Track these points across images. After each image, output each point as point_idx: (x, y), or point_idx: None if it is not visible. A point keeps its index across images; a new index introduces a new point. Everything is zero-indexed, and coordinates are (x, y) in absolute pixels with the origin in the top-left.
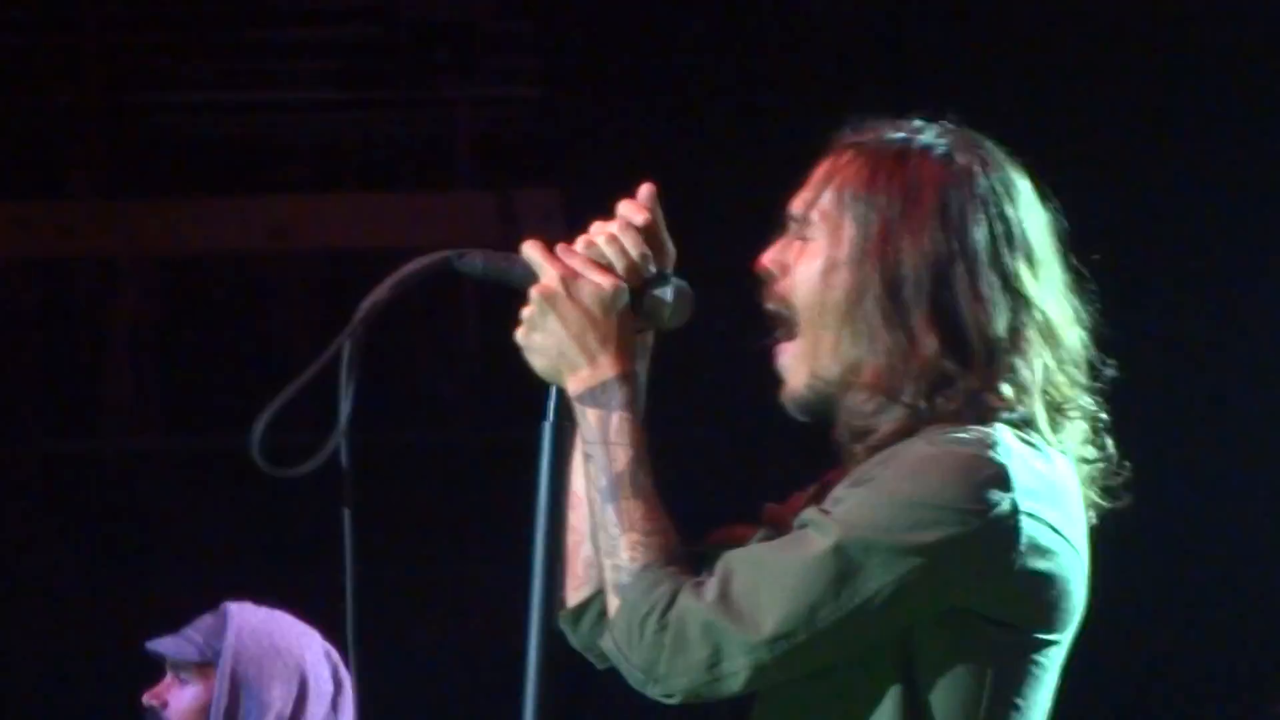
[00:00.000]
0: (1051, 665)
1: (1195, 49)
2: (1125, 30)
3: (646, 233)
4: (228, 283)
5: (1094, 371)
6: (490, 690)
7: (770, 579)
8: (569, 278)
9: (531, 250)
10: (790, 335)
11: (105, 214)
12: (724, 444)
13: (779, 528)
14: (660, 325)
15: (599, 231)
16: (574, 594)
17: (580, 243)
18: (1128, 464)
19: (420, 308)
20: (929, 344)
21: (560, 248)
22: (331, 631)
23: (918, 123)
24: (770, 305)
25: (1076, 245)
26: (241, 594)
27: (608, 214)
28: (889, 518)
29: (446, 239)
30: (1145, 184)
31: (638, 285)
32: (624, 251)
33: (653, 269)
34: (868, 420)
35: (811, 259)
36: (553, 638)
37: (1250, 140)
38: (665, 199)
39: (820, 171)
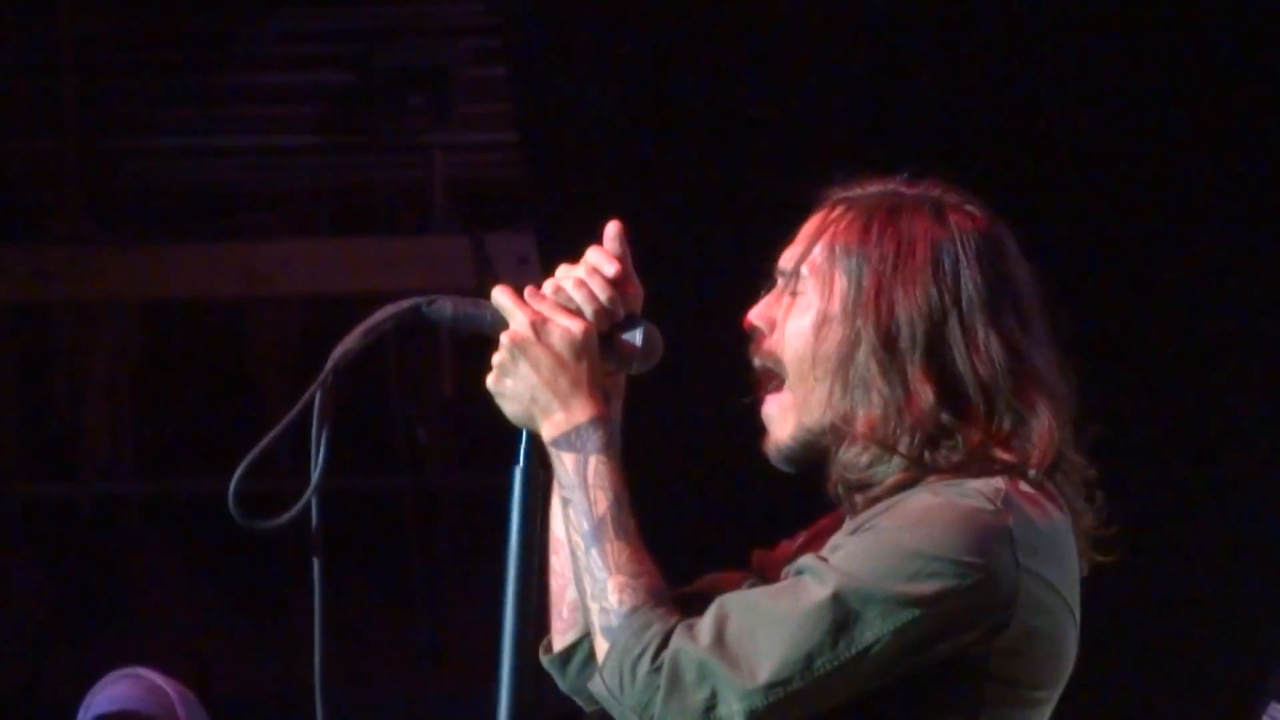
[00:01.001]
0: (1044, 716)
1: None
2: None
3: (616, 279)
4: (205, 328)
5: (1080, 427)
6: None
7: (767, 625)
8: (539, 323)
9: (501, 296)
10: (778, 388)
11: (83, 259)
12: (709, 490)
13: (766, 575)
14: (629, 369)
15: (566, 276)
16: (560, 637)
17: (548, 287)
18: (1115, 521)
19: (396, 353)
20: (925, 395)
21: (529, 292)
22: (303, 679)
23: (906, 178)
24: (757, 360)
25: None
26: (213, 639)
27: (581, 258)
28: (888, 568)
29: (422, 283)
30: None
31: (606, 329)
32: (592, 296)
33: (621, 312)
34: (863, 473)
35: (802, 313)
36: (524, 680)
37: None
38: (641, 245)
39: (810, 226)
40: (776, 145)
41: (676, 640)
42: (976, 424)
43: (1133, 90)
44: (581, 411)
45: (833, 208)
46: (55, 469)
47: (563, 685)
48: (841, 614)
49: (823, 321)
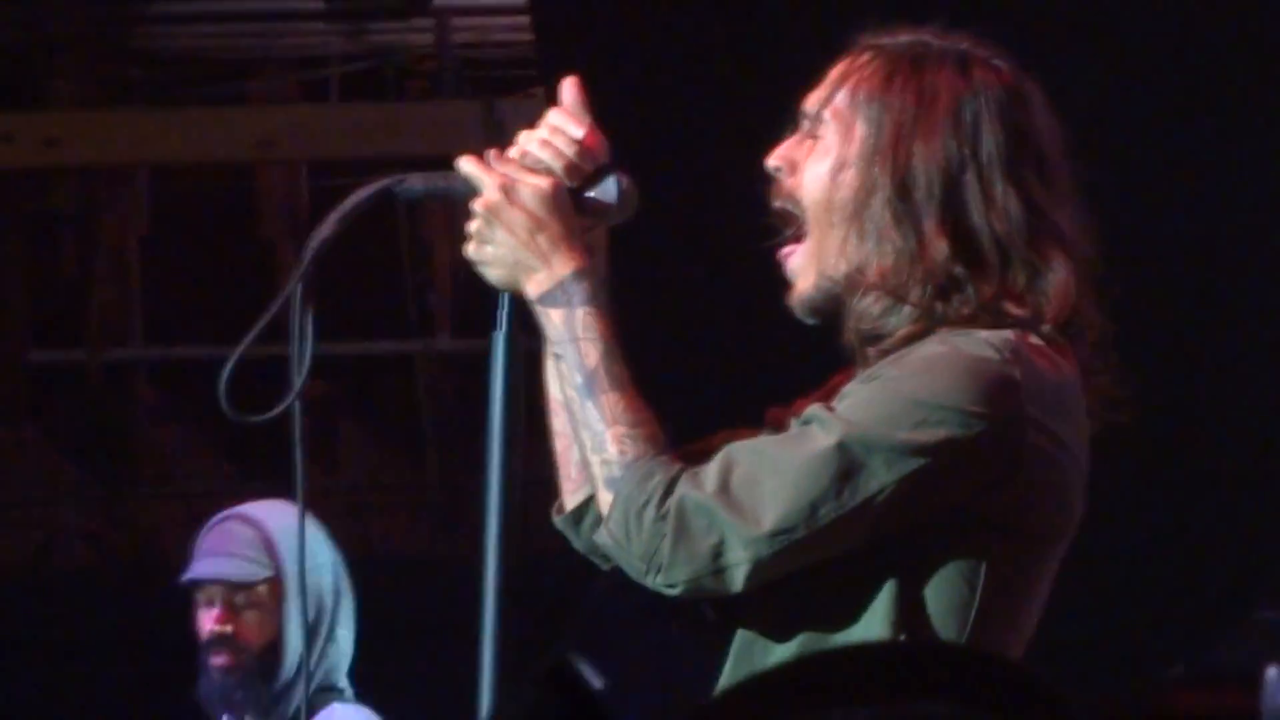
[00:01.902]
0: (1044, 572)
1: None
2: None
3: (582, 138)
4: (215, 193)
5: (1101, 284)
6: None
7: (772, 473)
8: (508, 185)
9: (467, 165)
10: (798, 236)
11: (90, 125)
12: (728, 346)
13: (781, 426)
14: (607, 220)
15: (530, 139)
16: (570, 498)
17: (513, 151)
18: (1132, 377)
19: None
20: (939, 247)
21: (494, 156)
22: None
23: (937, 30)
24: (777, 202)
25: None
26: (223, 504)
27: (595, 117)
28: (894, 416)
29: (432, 149)
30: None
31: (578, 184)
32: (559, 153)
33: (589, 167)
34: (875, 322)
35: (821, 157)
36: (510, 545)
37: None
38: (651, 104)
39: (836, 71)
40: (789, 14)
41: (682, 487)
42: (989, 277)
43: None
44: (563, 265)
45: (859, 54)
46: (64, 336)
47: (577, 545)
48: (846, 462)
49: (840, 167)
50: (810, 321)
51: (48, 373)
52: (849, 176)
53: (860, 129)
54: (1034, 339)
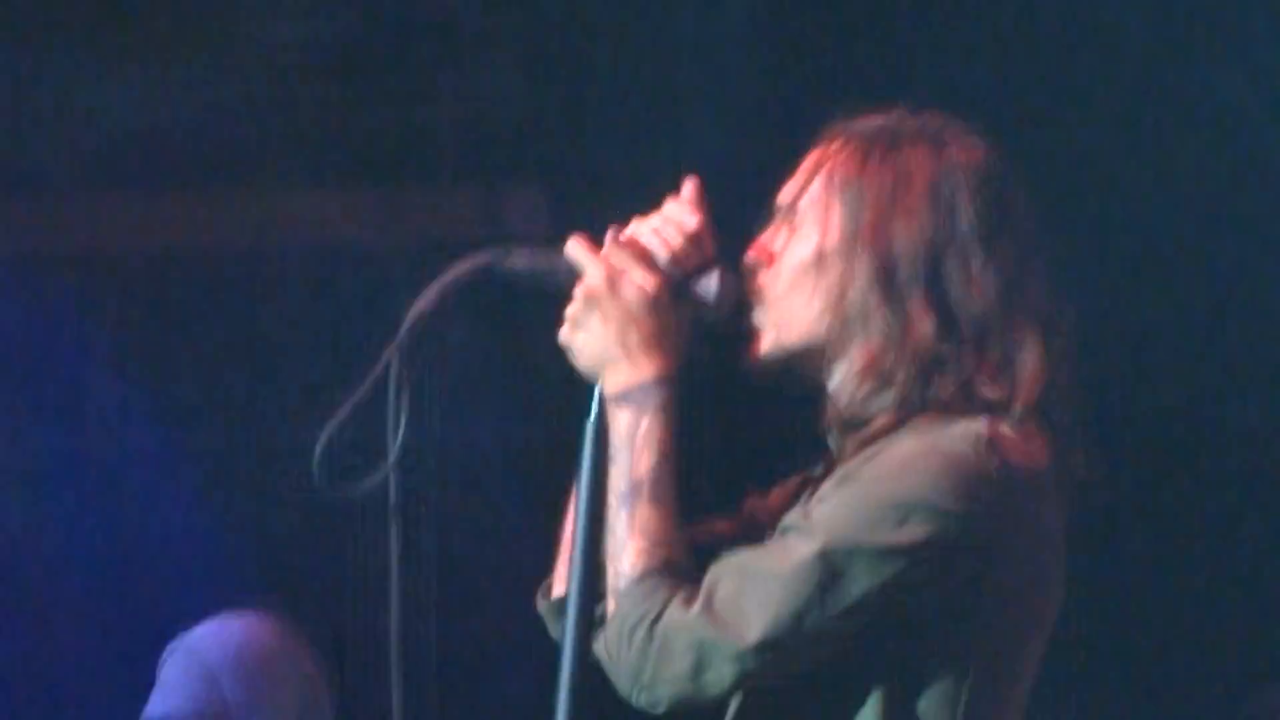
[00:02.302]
0: (1029, 661)
1: None
2: None
3: (697, 236)
4: (212, 279)
5: (1077, 358)
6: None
7: (756, 587)
8: (614, 275)
9: (575, 248)
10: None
11: (92, 210)
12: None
13: (757, 522)
14: (705, 316)
15: (642, 225)
16: (560, 585)
17: (624, 236)
18: (1103, 457)
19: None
20: (925, 326)
21: (609, 238)
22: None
23: (906, 111)
24: (754, 293)
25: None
26: (238, 585)
27: (592, 210)
28: (872, 519)
29: (431, 235)
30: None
31: (680, 277)
32: (668, 241)
33: (695, 260)
34: (860, 406)
35: (800, 248)
36: (589, 632)
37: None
38: (652, 195)
39: (810, 161)
40: (790, 103)
41: (669, 610)
42: (969, 356)
43: None
44: (648, 368)
45: (831, 141)
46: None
47: (553, 633)
48: (828, 570)
49: (820, 257)
50: (760, 380)
51: None
52: (831, 263)
53: (838, 214)
54: (1006, 427)
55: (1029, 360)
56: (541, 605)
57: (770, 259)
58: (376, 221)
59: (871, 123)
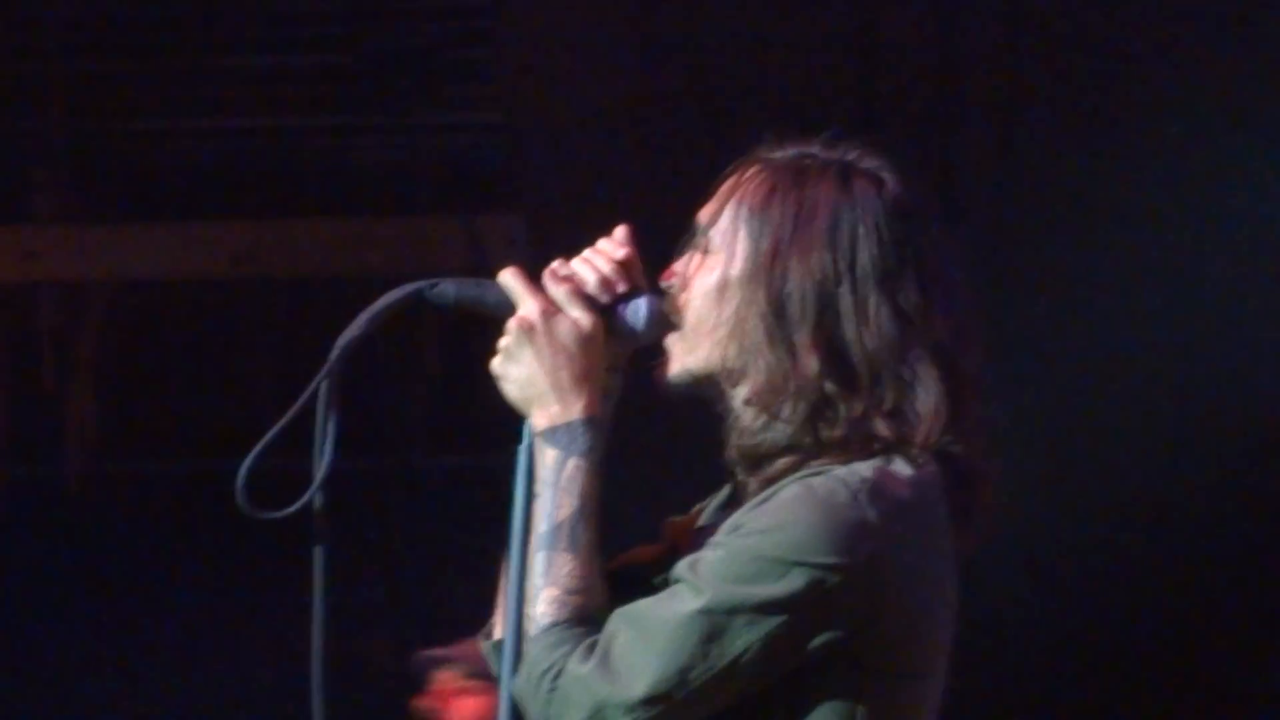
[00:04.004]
0: (926, 701)
1: None
2: None
3: (626, 266)
4: (192, 309)
5: (987, 389)
6: None
7: (645, 640)
8: (549, 312)
9: (511, 279)
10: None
11: (69, 239)
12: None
13: (678, 547)
14: (635, 342)
15: (574, 260)
16: (499, 628)
17: (555, 266)
18: (1005, 487)
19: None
20: (810, 364)
21: (546, 275)
22: (299, 660)
23: (824, 140)
24: (670, 314)
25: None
26: (204, 620)
27: (570, 239)
28: (752, 574)
29: (411, 265)
30: None
31: (610, 300)
32: (597, 268)
33: (623, 286)
34: (755, 438)
35: (707, 274)
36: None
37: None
38: (631, 222)
39: (726, 185)
40: (764, 126)
41: (570, 663)
42: (859, 395)
43: None
44: (576, 408)
45: (747, 168)
46: (41, 451)
47: (495, 672)
48: (710, 626)
49: (724, 285)
50: (675, 397)
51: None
52: (730, 294)
53: (742, 246)
54: (898, 465)
55: (928, 399)
56: (483, 646)
57: (684, 283)
58: (355, 251)
59: (787, 152)
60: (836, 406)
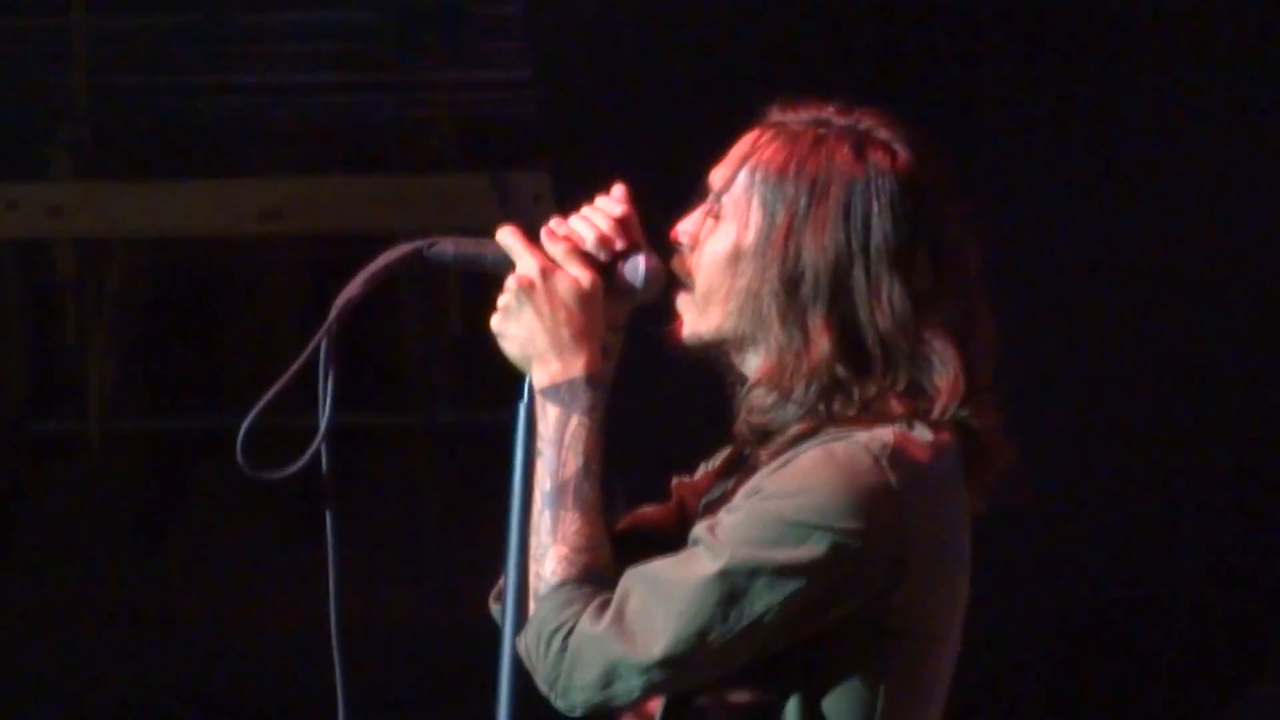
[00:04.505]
0: (942, 666)
1: None
2: None
3: (623, 223)
4: (217, 266)
5: (1003, 366)
6: (475, 666)
7: (662, 602)
8: (548, 269)
9: (510, 238)
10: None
11: (94, 195)
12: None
13: (686, 509)
14: (634, 299)
15: (572, 217)
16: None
17: (553, 224)
18: (1027, 460)
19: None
20: (822, 346)
21: (545, 233)
22: (318, 618)
23: (840, 107)
24: (678, 272)
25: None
26: (223, 575)
27: (595, 196)
28: (773, 537)
29: (438, 221)
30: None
31: (609, 258)
32: (594, 226)
33: (621, 243)
34: (765, 416)
35: (719, 240)
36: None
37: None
38: (652, 183)
39: (740, 148)
40: (792, 84)
41: (582, 622)
42: (873, 376)
43: None
44: (577, 365)
45: (763, 132)
46: (63, 406)
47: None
48: (729, 588)
49: (736, 255)
50: (691, 356)
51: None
52: (743, 266)
53: (756, 215)
54: (917, 432)
55: (946, 374)
56: (494, 608)
57: (694, 243)
58: (382, 207)
59: (802, 117)
60: (850, 389)
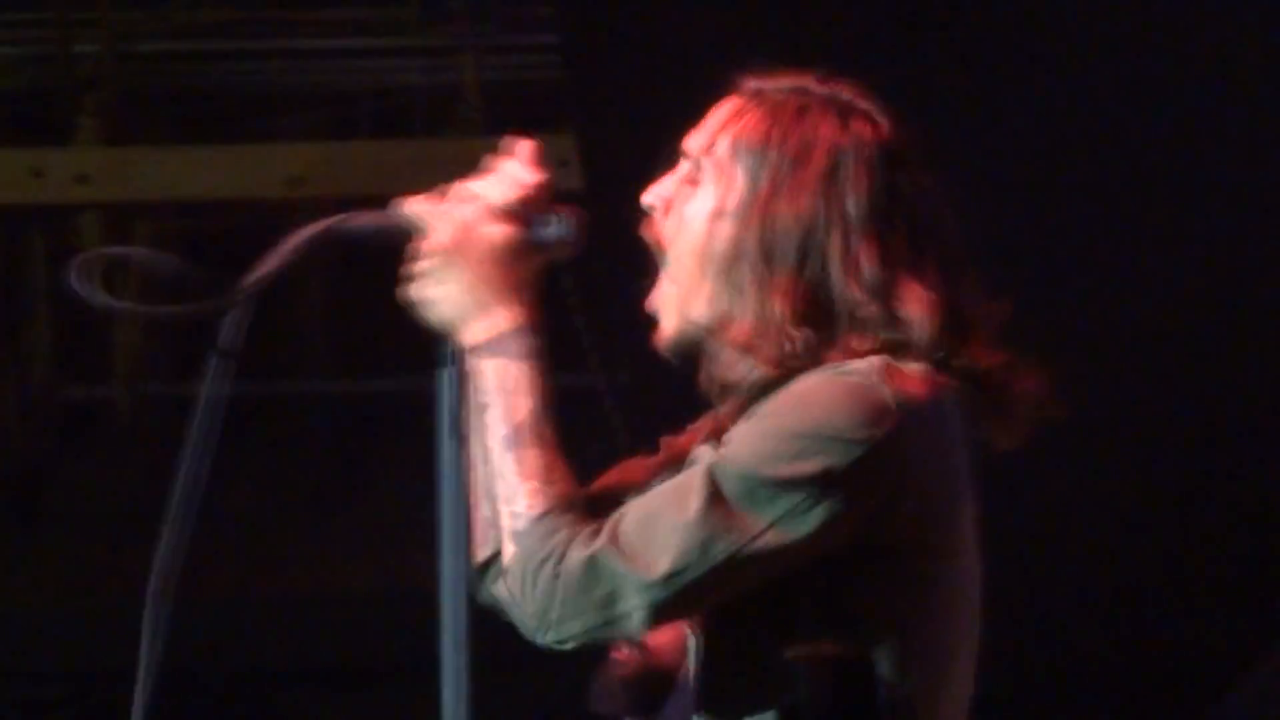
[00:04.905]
0: (956, 585)
1: None
2: None
3: (531, 181)
4: (244, 230)
5: (988, 334)
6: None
7: (662, 518)
8: (465, 229)
9: (420, 205)
10: (664, 276)
11: (120, 161)
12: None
13: (675, 460)
14: (548, 255)
15: (479, 182)
16: (479, 551)
17: (461, 186)
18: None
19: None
20: (796, 307)
21: (450, 198)
22: (338, 586)
23: (820, 77)
24: (649, 240)
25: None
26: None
27: (623, 159)
28: (774, 452)
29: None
30: None
31: (521, 215)
32: (504, 186)
33: (533, 204)
34: (735, 374)
35: (699, 204)
36: (465, 582)
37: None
38: (678, 145)
39: (719, 115)
40: (814, 50)
41: (574, 547)
42: (838, 342)
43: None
44: (508, 319)
45: (744, 100)
46: (91, 373)
47: (480, 598)
48: (733, 499)
49: (716, 218)
50: (674, 360)
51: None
52: (725, 229)
53: (739, 180)
54: (905, 366)
55: (924, 328)
56: (488, 588)
57: (668, 207)
58: (409, 172)
59: (781, 85)
60: (817, 354)
